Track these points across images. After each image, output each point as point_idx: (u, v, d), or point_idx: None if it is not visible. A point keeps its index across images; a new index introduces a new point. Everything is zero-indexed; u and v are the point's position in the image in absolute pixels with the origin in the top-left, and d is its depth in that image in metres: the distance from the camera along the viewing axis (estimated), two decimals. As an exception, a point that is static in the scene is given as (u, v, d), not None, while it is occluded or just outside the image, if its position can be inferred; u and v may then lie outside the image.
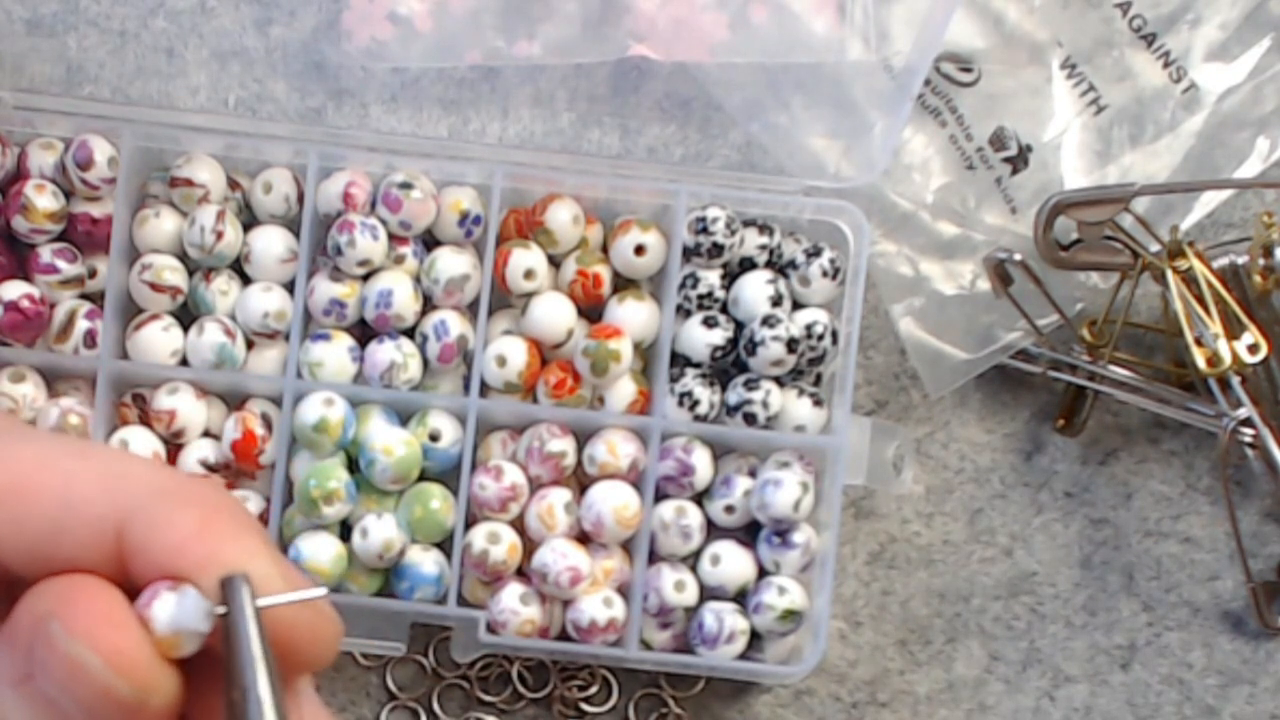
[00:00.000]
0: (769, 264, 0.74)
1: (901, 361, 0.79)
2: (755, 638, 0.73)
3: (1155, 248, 0.76)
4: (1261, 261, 0.75)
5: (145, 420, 0.73)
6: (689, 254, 0.73)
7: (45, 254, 0.72)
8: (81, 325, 0.72)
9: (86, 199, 0.73)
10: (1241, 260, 0.76)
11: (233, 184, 0.74)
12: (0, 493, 0.36)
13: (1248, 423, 0.74)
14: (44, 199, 0.71)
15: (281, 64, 0.77)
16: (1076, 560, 0.79)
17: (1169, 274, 0.75)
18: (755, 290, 0.73)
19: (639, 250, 0.73)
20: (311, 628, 0.36)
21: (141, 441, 0.72)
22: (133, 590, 0.36)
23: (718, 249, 0.72)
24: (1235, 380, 0.74)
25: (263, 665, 0.34)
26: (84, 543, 0.36)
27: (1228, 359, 0.73)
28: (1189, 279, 0.75)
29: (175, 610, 0.35)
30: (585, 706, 0.78)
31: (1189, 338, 0.74)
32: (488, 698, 0.77)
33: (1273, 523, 0.79)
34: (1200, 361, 0.73)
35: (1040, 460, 0.79)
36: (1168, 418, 0.78)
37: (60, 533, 0.36)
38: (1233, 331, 0.74)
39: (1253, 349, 0.73)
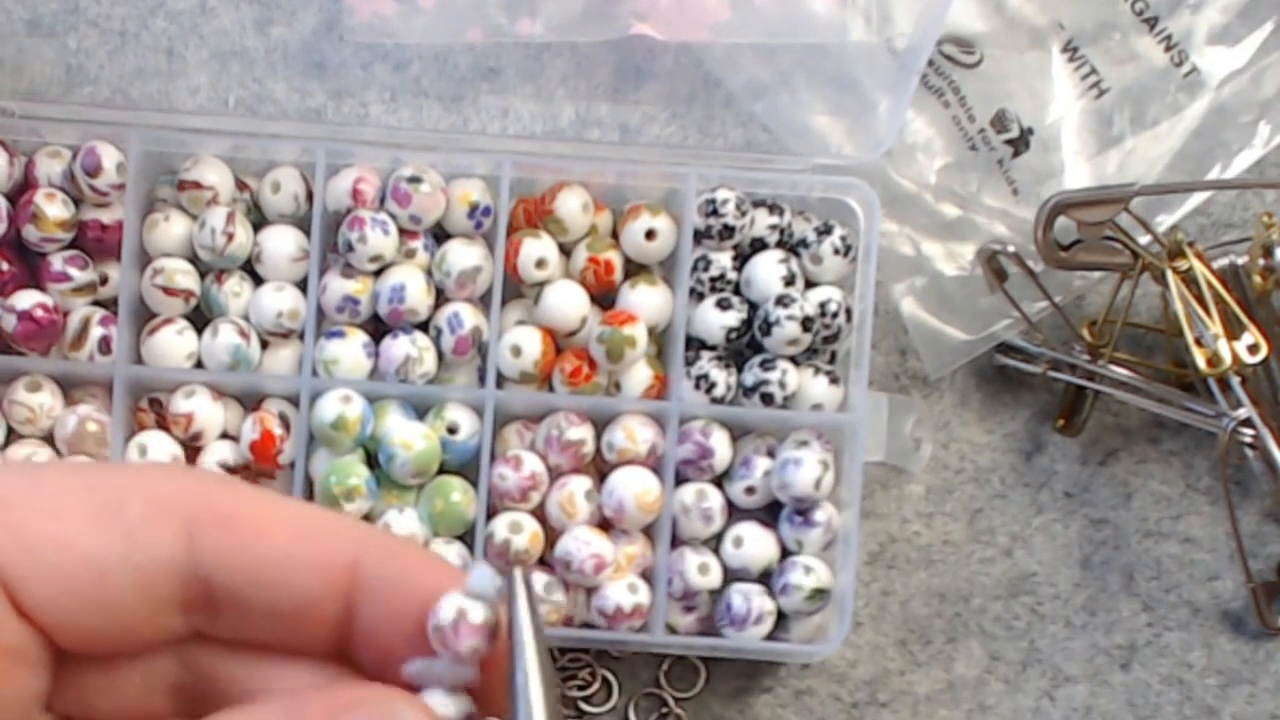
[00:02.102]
0: (780, 244, 0.74)
1: (901, 361, 0.79)
2: (781, 618, 0.73)
3: (1155, 247, 0.76)
4: (1261, 261, 0.75)
5: (163, 424, 0.73)
6: (700, 236, 0.73)
7: (57, 262, 0.72)
8: (95, 332, 0.72)
9: (96, 206, 0.72)
10: (1241, 260, 0.77)
11: (241, 185, 0.74)
12: (234, 516, 0.37)
13: (1248, 423, 0.74)
14: (54, 207, 0.71)
15: (281, 64, 0.77)
16: (1076, 560, 0.79)
17: (1169, 274, 0.75)
18: (768, 270, 0.73)
19: (650, 235, 0.73)
20: None
21: (160, 446, 0.72)
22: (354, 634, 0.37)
23: (729, 230, 0.72)
24: (1235, 380, 0.74)
25: (537, 648, 0.36)
26: (316, 575, 0.36)
27: (1228, 359, 0.73)
28: (1189, 279, 0.75)
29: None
30: (585, 706, 0.78)
31: (1189, 338, 0.73)
32: (488, 697, 0.77)
33: (1273, 523, 0.79)
34: (1200, 361, 0.73)
35: (1040, 460, 0.79)
36: (1168, 418, 0.78)
37: (293, 563, 0.36)
38: (1233, 331, 0.74)
39: (1253, 349, 0.73)
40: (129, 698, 0.38)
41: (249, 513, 0.37)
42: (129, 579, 0.36)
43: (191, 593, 0.37)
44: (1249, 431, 0.74)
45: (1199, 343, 0.74)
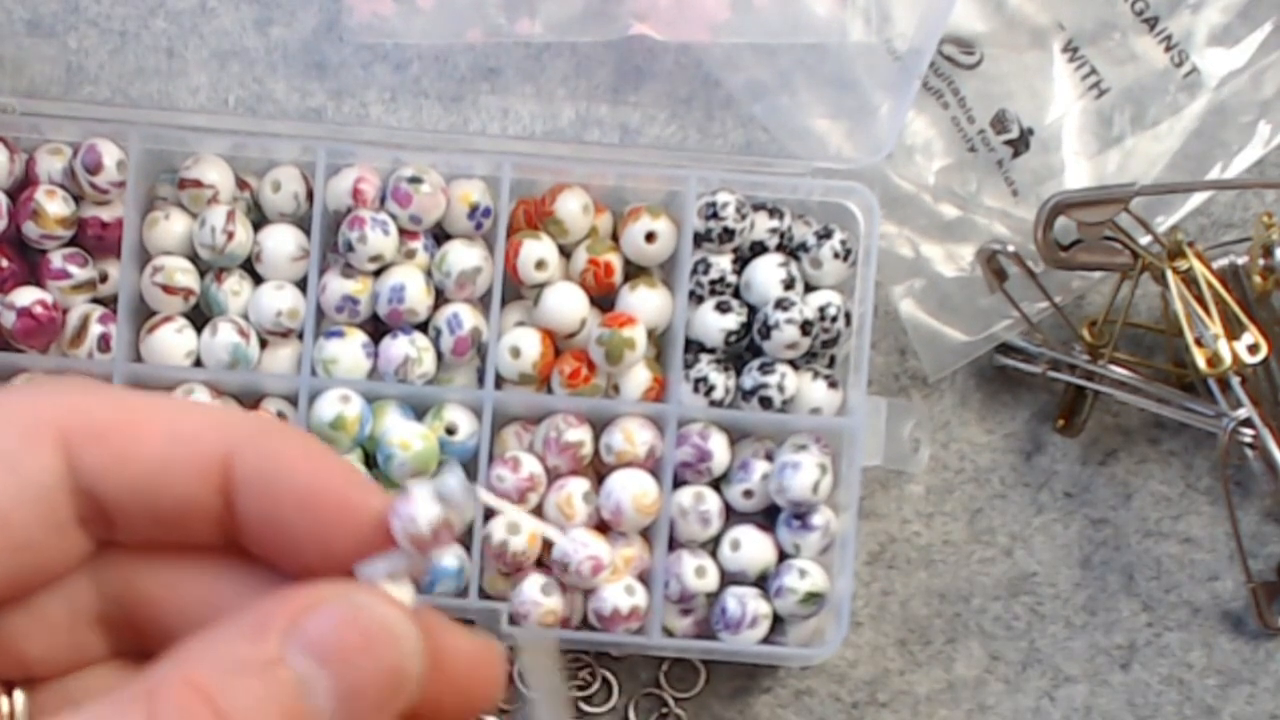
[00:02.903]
0: (780, 247, 0.74)
1: (901, 362, 0.79)
2: (778, 621, 0.73)
3: (1155, 247, 0.76)
4: (1261, 261, 0.75)
5: (161, 422, 0.73)
6: (700, 239, 0.73)
7: (56, 259, 0.72)
8: (95, 330, 0.72)
9: (96, 203, 0.72)
10: (1241, 260, 0.76)
11: (241, 184, 0.74)
12: (107, 427, 0.36)
13: (1248, 423, 0.74)
14: (55, 204, 0.71)
15: (281, 64, 0.77)
16: (1076, 560, 0.79)
17: (1169, 274, 0.75)
18: (767, 274, 0.73)
19: (649, 237, 0.73)
20: (490, 667, 0.37)
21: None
22: (239, 528, 0.37)
23: (729, 234, 0.72)
24: (1235, 380, 0.74)
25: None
26: (191, 476, 0.36)
27: (1228, 359, 0.73)
28: (1189, 279, 0.75)
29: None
30: (585, 707, 0.78)
31: (1189, 338, 0.73)
32: (488, 698, 0.77)
33: (1273, 523, 0.79)
34: (1200, 362, 0.73)
35: (1040, 460, 0.79)
36: (1168, 418, 0.78)
37: (168, 467, 0.36)
38: (1233, 332, 0.73)
39: (1253, 349, 0.73)
40: (58, 640, 0.38)
41: (121, 420, 0.36)
42: (28, 514, 0.35)
43: (84, 508, 0.36)
44: (1249, 431, 0.74)
45: (1199, 343, 0.74)
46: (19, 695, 0.38)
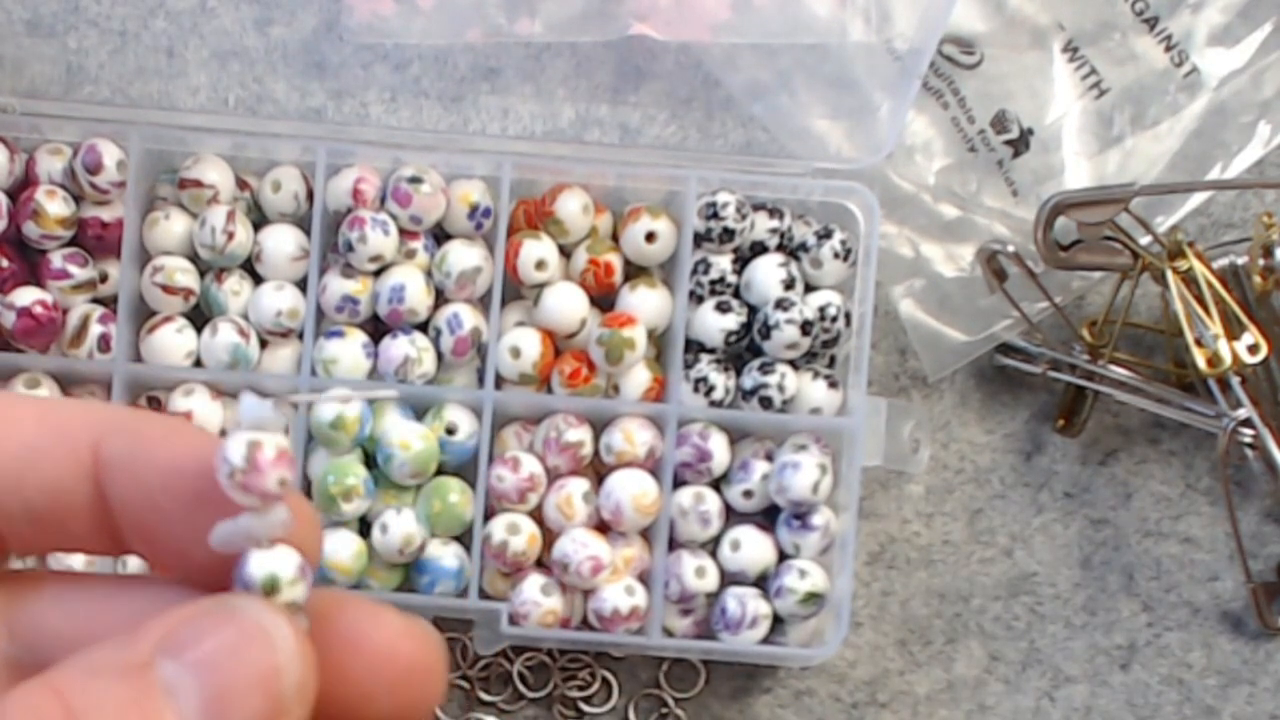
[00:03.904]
0: (780, 247, 0.74)
1: (901, 362, 0.79)
2: (778, 621, 0.73)
3: (1155, 247, 0.76)
4: (1261, 261, 0.75)
5: (161, 422, 0.73)
6: (700, 239, 0.73)
7: (57, 259, 0.72)
8: (95, 330, 0.72)
9: (96, 203, 0.72)
10: (1241, 260, 0.76)
11: (241, 184, 0.74)
12: None
13: (1248, 423, 0.74)
14: (55, 204, 0.71)
15: (281, 64, 0.77)
16: (1076, 560, 0.79)
17: (1169, 274, 0.75)
18: (767, 274, 0.73)
19: (650, 237, 0.73)
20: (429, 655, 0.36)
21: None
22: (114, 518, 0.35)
23: (729, 234, 0.72)
24: (1235, 380, 0.74)
25: None
26: (60, 462, 0.35)
27: (1228, 359, 0.73)
28: (1189, 279, 0.75)
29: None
30: (585, 707, 0.78)
31: (1189, 338, 0.73)
32: (488, 698, 0.77)
33: (1273, 523, 0.79)
34: (1200, 362, 0.73)
35: (1040, 460, 0.79)
36: (1168, 418, 0.78)
37: (35, 455, 0.35)
38: (1233, 331, 0.73)
39: (1253, 349, 0.73)
40: None
41: None
42: None
43: None
44: (1249, 431, 0.74)
45: (1199, 343, 0.74)
46: None
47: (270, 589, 0.32)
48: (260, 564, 0.32)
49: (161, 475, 0.34)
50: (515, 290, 0.74)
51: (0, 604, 0.36)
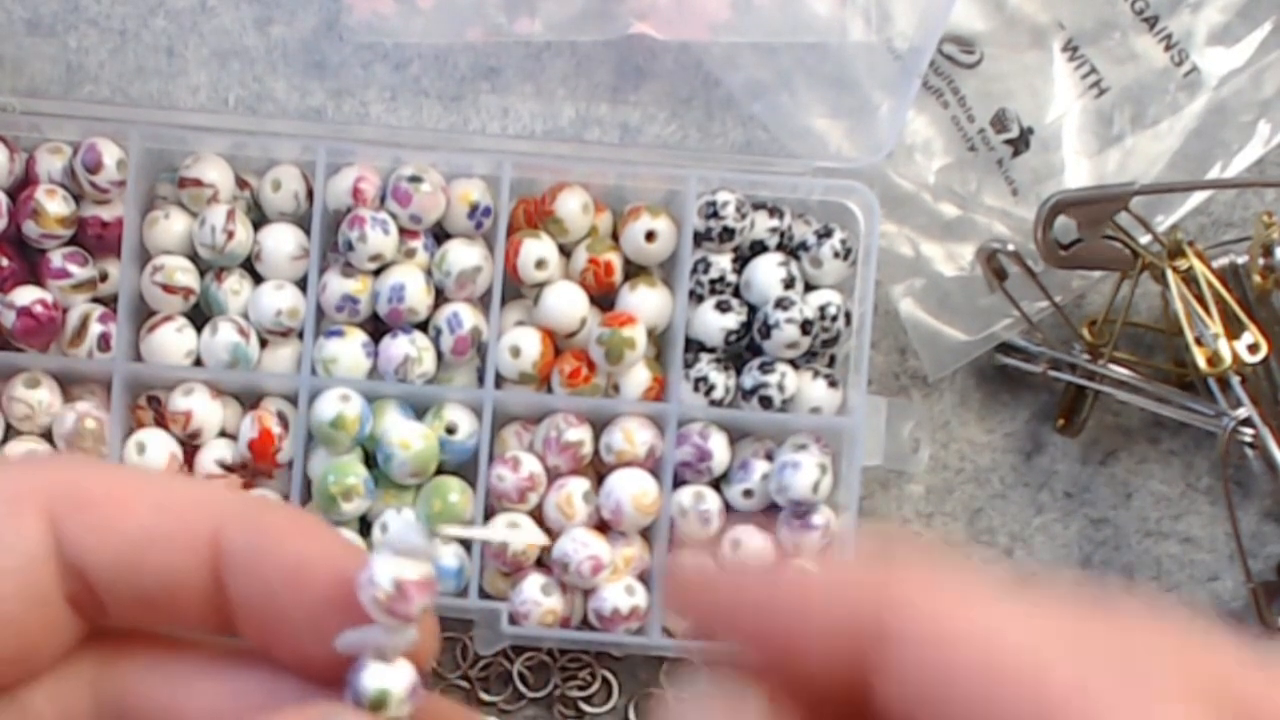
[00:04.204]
0: (780, 246, 0.74)
1: (901, 361, 0.79)
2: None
3: (1155, 247, 0.76)
4: (1261, 261, 0.75)
5: (161, 422, 0.73)
6: (700, 239, 0.73)
7: (56, 259, 0.72)
8: (95, 329, 0.72)
9: (96, 202, 0.72)
10: (1241, 260, 0.76)
11: (241, 183, 0.74)
12: (94, 498, 0.35)
13: (1248, 423, 0.74)
14: (55, 204, 0.71)
15: (281, 64, 0.77)
16: (1076, 560, 0.79)
17: (1169, 274, 0.75)
18: (767, 273, 0.73)
19: (650, 236, 0.73)
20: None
21: (158, 443, 0.72)
22: (231, 609, 0.35)
23: (729, 233, 0.72)
24: (1235, 380, 0.74)
25: None
26: (179, 549, 0.34)
27: (1228, 359, 0.73)
28: (1189, 279, 0.75)
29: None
30: (585, 706, 0.78)
31: (1189, 337, 0.73)
32: (488, 698, 0.77)
33: (1273, 523, 0.79)
34: (1200, 361, 0.73)
35: (1040, 460, 0.79)
36: (1168, 418, 0.78)
37: (154, 539, 0.34)
38: (1233, 331, 0.73)
39: (1253, 349, 0.73)
40: None
41: (108, 491, 0.35)
42: (12, 586, 0.34)
43: (71, 584, 0.35)
44: (1249, 431, 0.74)
45: (1199, 342, 0.74)
46: None
47: (379, 704, 0.32)
48: (376, 676, 0.32)
49: (286, 572, 0.34)
50: (515, 290, 0.74)
51: (92, 666, 0.36)
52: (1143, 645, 0.27)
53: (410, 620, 0.32)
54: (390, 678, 0.32)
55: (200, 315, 0.73)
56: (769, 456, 0.74)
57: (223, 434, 0.73)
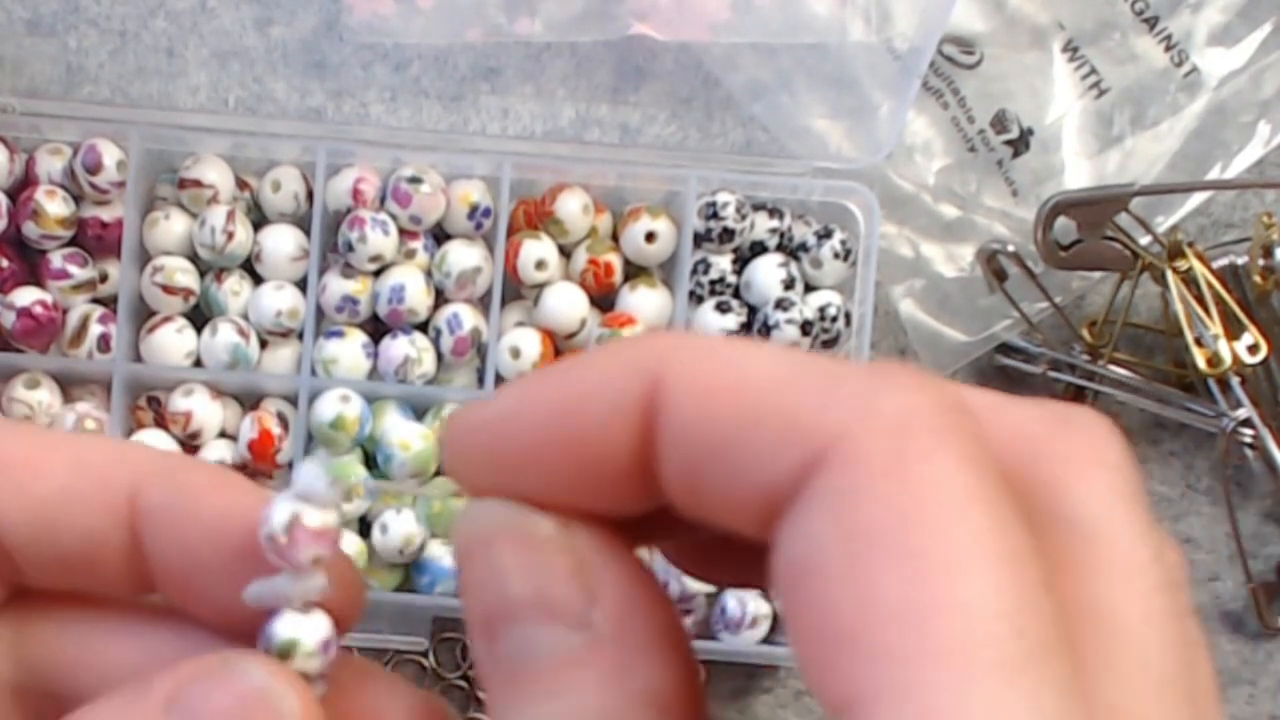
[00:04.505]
0: (780, 247, 0.74)
1: (901, 361, 0.78)
2: (778, 621, 0.73)
3: (1155, 247, 0.76)
4: (1261, 261, 0.75)
5: (161, 423, 0.73)
6: (700, 239, 0.73)
7: (56, 259, 0.72)
8: (95, 330, 0.72)
9: (96, 203, 0.72)
10: (1241, 260, 0.76)
11: (241, 184, 0.74)
12: (7, 461, 0.34)
13: (1248, 423, 0.74)
14: (55, 204, 0.71)
15: (281, 64, 0.77)
16: (1076, 560, 0.79)
17: (1169, 274, 0.75)
18: (767, 274, 0.73)
19: (650, 237, 0.73)
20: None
21: (158, 444, 0.72)
22: (150, 568, 0.34)
23: (729, 234, 0.72)
24: (1235, 380, 0.74)
25: None
26: (96, 509, 0.34)
27: (1228, 359, 0.73)
28: (1189, 279, 0.75)
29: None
30: (586, 705, 0.78)
31: (1189, 338, 0.73)
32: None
33: (1273, 523, 0.79)
34: (1200, 361, 0.73)
35: (1040, 461, 0.79)
36: (1168, 418, 0.78)
37: (70, 500, 0.34)
38: (1233, 331, 0.73)
39: (1253, 349, 0.73)
40: None
41: (21, 453, 0.34)
42: None
43: None
44: (1249, 431, 0.74)
45: (1199, 343, 0.74)
46: None
47: (286, 653, 0.32)
48: (286, 626, 0.32)
49: (204, 528, 0.33)
50: (515, 290, 0.74)
51: (11, 626, 0.36)
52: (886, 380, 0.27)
53: (300, 567, 0.31)
54: (302, 628, 0.32)
55: (200, 316, 0.73)
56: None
57: (223, 435, 0.73)
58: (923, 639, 0.24)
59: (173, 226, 0.73)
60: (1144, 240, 0.76)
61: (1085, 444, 0.30)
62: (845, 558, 0.25)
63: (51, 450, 0.35)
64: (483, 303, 0.73)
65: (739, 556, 0.31)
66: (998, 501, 0.25)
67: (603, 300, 0.74)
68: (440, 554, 0.72)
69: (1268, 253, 0.75)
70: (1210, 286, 0.74)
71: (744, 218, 0.73)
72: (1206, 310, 0.74)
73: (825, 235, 0.73)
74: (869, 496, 0.25)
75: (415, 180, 0.72)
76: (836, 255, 0.73)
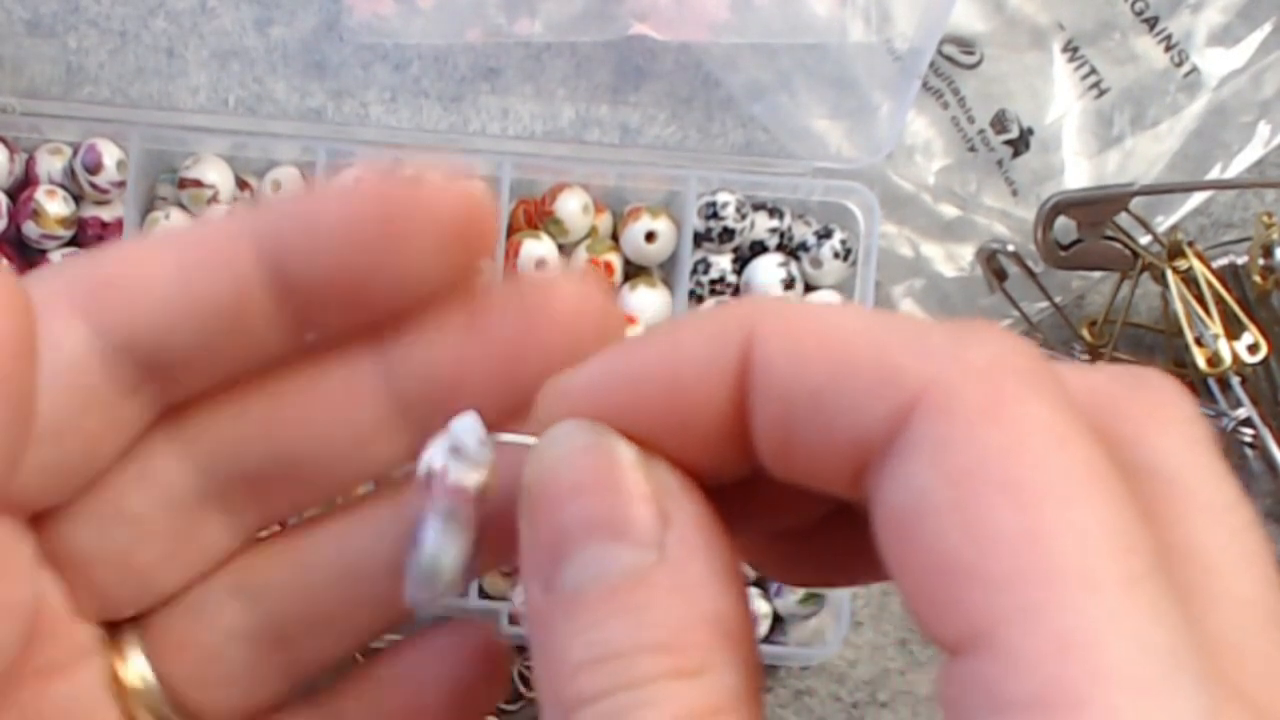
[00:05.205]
0: (780, 247, 0.74)
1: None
2: (778, 621, 0.73)
3: (1155, 247, 0.76)
4: (1261, 261, 0.75)
5: (161, 422, 0.73)
6: (700, 239, 0.73)
7: (56, 259, 0.72)
8: (95, 329, 0.72)
9: (96, 203, 0.72)
10: (1241, 260, 0.76)
11: (241, 184, 0.74)
12: (113, 277, 0.33)
13: (1248, 422, 0.74)
14: (55, 204, 0.71)
15: (281, 64, 0.77)
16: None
17: (1169, 274, 0.75)
18: (767, 274, 0.73)
19: (650, 237, 0.73)
20: None
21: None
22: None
23: (729, 233, 0.72)
24: (1235, 380, 0.74)
25: None
26: (211, 295, 0.33)
27: (1228, 359, 0.73)
28: (1189, 279, 0.75)
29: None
30: (587, 705, 0.77)
31: (1189, 337, 0.73)
32: (487, 697, 0.77)
33: (1273, 522, 0.79)
34: (1200, 361, 0.73)
35: (1040, 459, 0.79)
36: (1168, 418, 0.77)
37: (184, 294, 0.33)
38: (1233, 332, 0.73)
39: (1253, 349, 0.73)
40: (162, 541, 0.34)
41: (127, 266, 0.33)
42: (53, 393, 0.32)
43: (122, 372, 0.33)
44: (1249, 431, 0.74)
45: (1199, 343, 0.73)
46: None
47: (435, 565, 0.33)
48: (431, 537, 0.32)
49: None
50: (515, 290, 0.74)
51: (174, 440, 0.34)
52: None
53: (436, 513, 0.32)
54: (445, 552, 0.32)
55: (200, 316, 0.73)
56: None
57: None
58: (1041, 562, 0.24)
59: (173, 227, 0.73)
60: (1144, 240, 0.76)
61: (1160, 400, 0.31)
62: (951, 498, 0.25)
63: (157, 257, 0.33)
64: (483, 302, 0.73)
65: (818, 551, 0.32)
66: (1089, 435, 0.26)
67: (603, 300, 0.74)
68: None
69: (1268, 253, 0.75)
70: (1210, 286, 0.74)
71: (744, 218, 0.73)
72: (1206, 310, 0.74)
73: (825, 235, 0.73)
74: (968, 439, 0.26)
75: (415, 180, 0.72)
76: (836, 255, 0.73)
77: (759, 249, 0.74)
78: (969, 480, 0.25)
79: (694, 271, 0.73)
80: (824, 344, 0.28)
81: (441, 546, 0.32)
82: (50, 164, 0.72)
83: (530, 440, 0.31)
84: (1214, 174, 0.78)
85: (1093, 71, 0.78)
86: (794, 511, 0.32)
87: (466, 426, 0.32)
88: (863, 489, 0.27)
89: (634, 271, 0.74)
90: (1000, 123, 0.78)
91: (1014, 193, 0.78)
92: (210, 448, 0.34)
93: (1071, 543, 0.25)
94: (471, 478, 0.32)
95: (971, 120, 0.78)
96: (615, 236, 0.75)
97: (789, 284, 0.72)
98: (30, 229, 0.71)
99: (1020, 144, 0.78)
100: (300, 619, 0.36)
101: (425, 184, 0.32)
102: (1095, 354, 0.76)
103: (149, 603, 0.35)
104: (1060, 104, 0.78)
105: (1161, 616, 0.24)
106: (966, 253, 0.78)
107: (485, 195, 0.33)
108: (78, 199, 0.72)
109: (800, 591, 0.72)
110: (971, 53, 0.78)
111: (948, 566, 0.25)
